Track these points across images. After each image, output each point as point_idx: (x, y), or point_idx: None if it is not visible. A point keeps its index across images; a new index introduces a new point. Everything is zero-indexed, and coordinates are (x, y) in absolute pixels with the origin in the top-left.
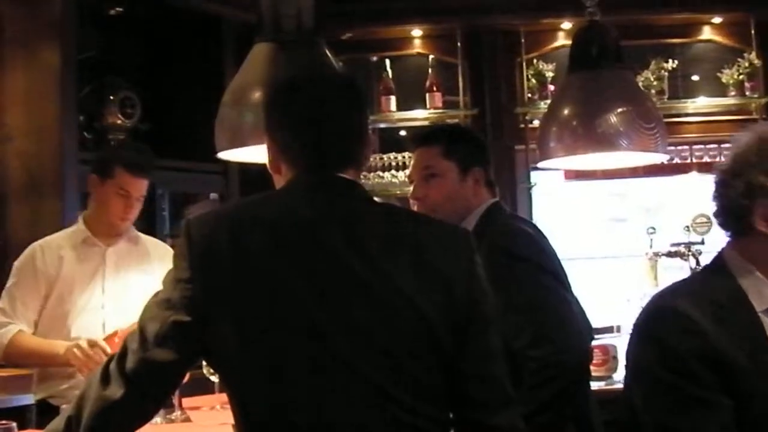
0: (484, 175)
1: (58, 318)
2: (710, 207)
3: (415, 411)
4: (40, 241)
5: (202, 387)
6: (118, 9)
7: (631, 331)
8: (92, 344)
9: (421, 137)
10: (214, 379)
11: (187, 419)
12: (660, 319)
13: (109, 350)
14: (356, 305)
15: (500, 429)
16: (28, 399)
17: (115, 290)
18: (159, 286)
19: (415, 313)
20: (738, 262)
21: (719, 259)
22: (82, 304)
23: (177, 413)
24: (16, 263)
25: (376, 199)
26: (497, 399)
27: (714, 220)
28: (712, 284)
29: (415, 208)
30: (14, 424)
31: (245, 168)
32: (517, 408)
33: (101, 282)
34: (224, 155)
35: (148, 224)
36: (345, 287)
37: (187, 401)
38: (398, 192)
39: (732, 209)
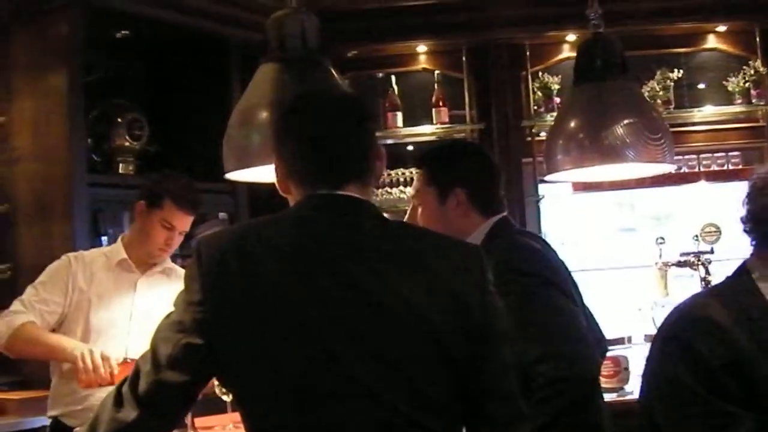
0: (467, 196)
1: (81, 337)
2: (738, 212)
3: (428, 429)
4: (75, 253)
5: (215, 406)
6: (124, 32)
7: (654, 341)
8: (104, 357)
9: (415, 158)
10: (227, 398)
11: None
12: (689, 328)
13: (116, 371)
14: (368, 324)
15: None
16: (42, 421)
17: (142, 319)
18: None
19: (428, 331)
20: (764, 271)
21: (743, 269)
22: (107, 327)
23: None
24: (49, 266)
25: (385, 215)
26: (511, 415)
27: (722, 229)
28: (739, 295)
29: None
30: None
31: (253, 188)
32: (530, 424)
33: (129, 308)
34: (232, 176)
35: None
36: (356, 307)
37: (200, 421)
38: (406, 208)
39: (763, 216)
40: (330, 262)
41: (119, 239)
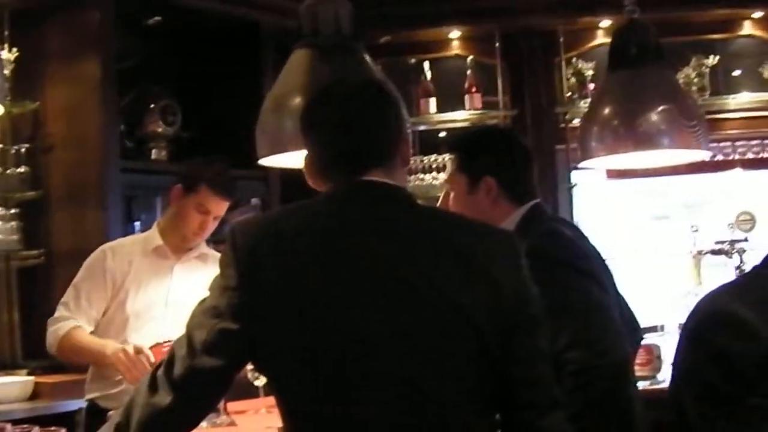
0: (497, 184)
1: (118, 324)
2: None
3: (462, 414)
4: (110, 243)
5: (247, 391)
6: (156, 18)
7: (680, 335)
8: (138, 350)
9: (446, 145)
10: (259, 383)
11: (233, 423)
12: (713, 324)
13: (153, 359)
14: (403, 310)
15: (549, 431)
16: (76, 404)
17: (178, 305)
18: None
19: (463, 316)
20: None
21: None
22: (143, 313)
23: (222, 417)
24: (86, 261)
25: (419, 202)
26: (545, 401)
27: (757, 218)
28: (764, 286)
29: None
30: (63, 430)
31: (286, 173)
32: (564, 411)
33: (165, 294)
34: (265, 161)
35: None
36: (391, 292)
37: (232, 405)
38: (439, 194)
39: None
40: (364, 246)
41: (154, 225)
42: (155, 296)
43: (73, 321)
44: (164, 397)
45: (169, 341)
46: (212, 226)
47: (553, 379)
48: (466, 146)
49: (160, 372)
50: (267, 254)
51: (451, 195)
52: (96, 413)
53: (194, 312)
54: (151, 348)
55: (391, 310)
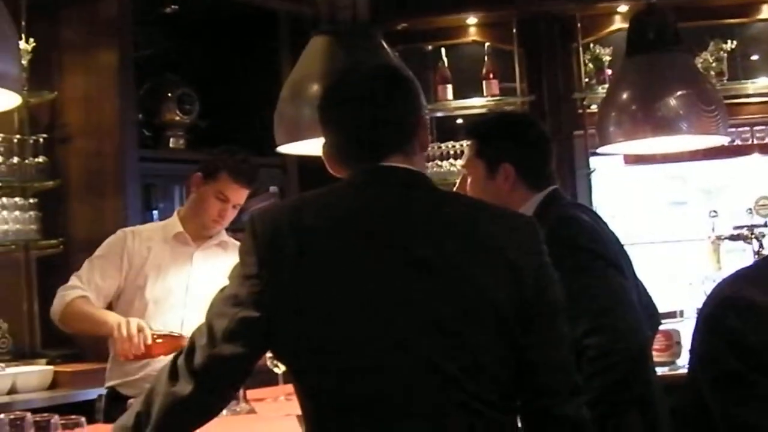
0: (515, 171)
1: (138, 309)
2: None
3: (482, 398)
4: (131, 228)
5: (267, 378)
6: (173, 6)
7: (695, 322)
8: (139, 328)
9: (465, 130)
10: (278, 370)
11: (252, 411)
12: (728, 310)
13: (149, 341)
14: (425, 293)
15: (567, 417)
16: (96, 393)
17: (198, 292)
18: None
19: (485, 300)
20: None
21: None
22: (162, 300)
23: (242, 405)
24: (106, 240)
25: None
26: (565, 387)
27: None
28: None
29: None
30: (83, 419)
31: (304, 161)
32: (583, 397)
33: (186, 281)
34: (283, 149)
35: None
36: (412, 276)
37: (251, 393)
38: (456, 181)
39: None
40: (384, 231)
41: (175, 213)
42: (175, 283)
43: (81, 291)
44: (185, 386)
45: (181, 335)
46: (231, 214)
47: (573, 366)
48: (485, 132)
49: (180, 361)
50: (287, 241)
51: (469, 180)
52: (115, 400)
53: (214, 301)
54: (164, 335)
55: (413, 294)
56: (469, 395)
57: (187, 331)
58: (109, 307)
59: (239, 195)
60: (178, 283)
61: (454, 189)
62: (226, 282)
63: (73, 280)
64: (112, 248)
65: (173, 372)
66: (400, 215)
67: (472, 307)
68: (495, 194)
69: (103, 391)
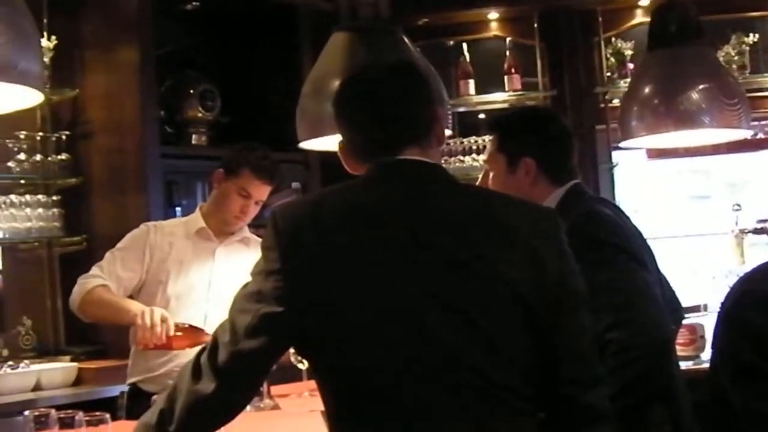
0: (536, 165)
1: (160, 304)
2: None
3: (507, 388)
4: (153, 222)
5: (291, 375)
6: (194, 3)
7: (717, 316)
8: (163, 319)
9: (486, 124)
10: (302, 366)
11: (276, 407)
12: (747, 304)
13: (171, 332)
14: (448, 284)
15: (592, 407)
16: (119, 390)
17: (221, 288)
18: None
19: (509, 291)
20: None
21: None
22: (184, 296)
23: (266, 401)
24: (129, 233)
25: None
26: (588, 377)
27: None
28: None
29: None
30: (108, 416)
31: (326, 156)
32: (606, 388)
33: (208, 277)
34: (305, 145)
35: None
36: (436, 267)
37: (275, 389)
38: (479, 176)
39: None
40: (405, 224)
41: (198, 209)
42: (197, 279)
43: (102, 280)
44: (208, 385)
45: (203, 331)
46: (254, 210)
47: (596, 356)
48: (506, 126)
49: (203, 359)
50: (309, 237)
51: (491, 174)
52: (137, 396)
53: (237, 297)
54: (186, 328)
55: (437, 286)
56: (496, 387)
57: (210, 328)
58: None
59: (261, 191)
60: (201, 279)
61: (477, 183)
62: (249, 278)
63: (95, 270)
64: (135, 241)
65: (196, 370)
66: (420, 208)
67: (498, 298)
68: (516, 188)
69: (125, 388)
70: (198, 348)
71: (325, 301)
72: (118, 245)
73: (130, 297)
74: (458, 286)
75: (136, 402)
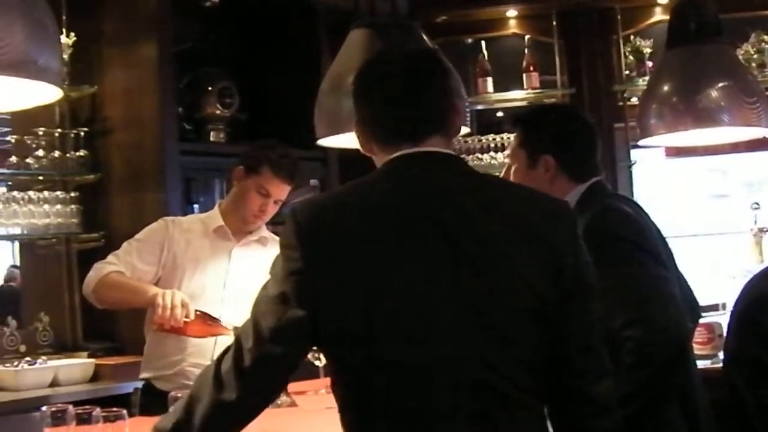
0: (556, 162)
1: None
2: None
3: (515, 382)
4: (173, 218)
5: (308, 372)
6: (213, 0)
7: (730, 316)
8: (183, 303)
9: (510, 120)
10: (319, 363)
11: (293, 404)
12: (760, 305)
13: (191, 317)
14: (467, 279)
15: (599, 399)
16: (137, 385)
17: (236, 288)
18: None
19: (524, 283)
20: None
21: None
22: (199, 294)
23: (283, 398)
24: (147, 227)
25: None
26: (597, 369)
27: None
28: None
29: None
30: (125, 411)
31: (345, 154)
32: (613, 381)
33: (224, 277)
34: (324, 142)
35: None
36: (455, 261)
37: (292, 386)
38: (498, 174)
39: None
40: (428, 217)
41: (216, 206)
42: (213, 278)
43: (117, 266)
44: (231, 393)
45: (220, 324)
46: (273, 209)
47: (605, 349)
48: (528, 123)
49: (224, 367)
50: (330, 233)
51: (513, 169)
52: (150, 393)
53: (258, 299)
54: (204, 316)
55: (457, 279)
56: (508, 382)
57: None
58: None
59: (281, 191)
60: (216, 278)
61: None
62: (268, 277)
63: (110, 258)
64: (153, 235)
65: (218, 380)
66: (441, 201)
67: (513, 289)
68: (536, 184)
69: (140, 384)
70: (211, 339)
71: (350, 300)
72: (136, 236)
73: None
74: (476, 279)
75: (151, 399)
